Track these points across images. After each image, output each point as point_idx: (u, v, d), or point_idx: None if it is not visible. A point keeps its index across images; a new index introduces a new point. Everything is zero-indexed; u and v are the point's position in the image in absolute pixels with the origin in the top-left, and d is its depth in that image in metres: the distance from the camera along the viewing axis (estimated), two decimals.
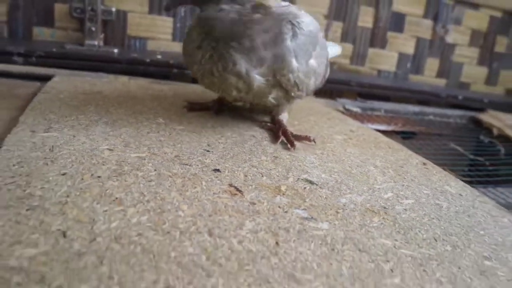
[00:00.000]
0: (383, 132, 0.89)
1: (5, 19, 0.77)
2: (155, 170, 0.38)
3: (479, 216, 0.43)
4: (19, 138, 0.39)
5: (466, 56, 1.24)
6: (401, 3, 1.10)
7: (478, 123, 1.10)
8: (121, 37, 0.85)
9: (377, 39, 1.09)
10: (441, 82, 1.25)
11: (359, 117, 0.88)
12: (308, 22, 0.51)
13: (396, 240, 0.35)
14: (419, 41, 1.16)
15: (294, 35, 0.48)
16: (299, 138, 0.53)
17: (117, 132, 0.45)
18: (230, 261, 0.27)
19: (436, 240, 0.36)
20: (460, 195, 0.48)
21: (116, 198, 0.32)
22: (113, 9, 0.81)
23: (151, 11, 0.86)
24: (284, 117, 0.56)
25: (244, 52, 0.47)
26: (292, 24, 0.49)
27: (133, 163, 0.38)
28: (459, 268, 0.33)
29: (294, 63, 0.48)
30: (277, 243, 0.30)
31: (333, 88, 0.99)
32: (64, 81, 0.64)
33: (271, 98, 0.51)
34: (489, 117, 1.10)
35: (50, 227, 0.27)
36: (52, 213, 0.28)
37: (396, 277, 0.30)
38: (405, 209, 0.41)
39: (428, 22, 1.15)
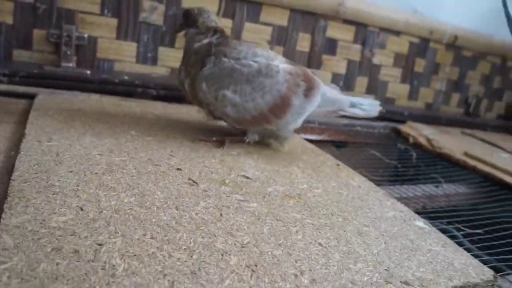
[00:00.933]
0: (316, 141, 1.08)
1: None
2: (135, 169, 0.52)
3: (369, 200, 0.61)
4: (30, 146, 0.53)
5: (391, 75, 1.46)
6: (334, 30, 1.29)
7: (398, 133, 1.31)
8: (92, 59, 0.97)
9: (313, 61, 1.28)
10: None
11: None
12: (240, 63, 0.65)
13: (303, 214, 0.51)
14: (350, 62, 1.35)
15: (212, 67, 0.65)
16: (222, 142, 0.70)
17: (102, 142, 0.59)
18: (190, 224, 0.42)
19: (332, 215, 0.53)
20: (359, 186, 0.66)
21: (111, 187, 0.46)
22: (86, 35, 0.94)
23: (118, 37, 1.00)
24: (249, 137, 0.71)
25: (184, 65, 0.69)
26: (215, 59, 0.65)
27: (118, 164, 0.52)
28: (344, 231, 0.50)
29: (204, 86, 0.65)
30: (221, 214, 0.46)
31: None
32: (47, 99, 0.76)
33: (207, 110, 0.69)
34: (407, 128, 1.31)
35: (71, 204, 0.41)
36: (70, 196, 0.42)
37: (299, 235, 0.46)
38: (314, 195, 0.57)
39: (357, 47, 1.35)
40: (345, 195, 0.60)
